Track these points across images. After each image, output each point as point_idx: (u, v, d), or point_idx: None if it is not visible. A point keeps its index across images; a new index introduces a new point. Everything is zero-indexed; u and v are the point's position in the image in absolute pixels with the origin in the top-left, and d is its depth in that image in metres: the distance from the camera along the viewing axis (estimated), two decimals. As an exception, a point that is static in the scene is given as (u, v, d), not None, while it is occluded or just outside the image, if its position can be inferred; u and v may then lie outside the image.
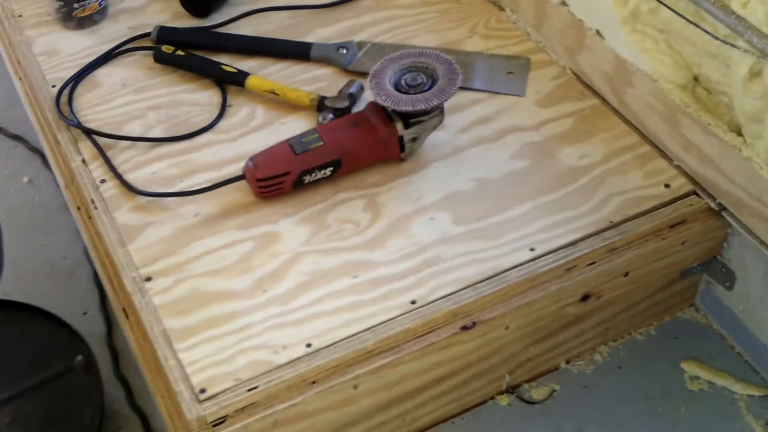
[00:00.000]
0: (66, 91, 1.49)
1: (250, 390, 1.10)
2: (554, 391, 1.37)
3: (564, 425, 1.32)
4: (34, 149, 1.76)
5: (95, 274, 1.52)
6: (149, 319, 1.17)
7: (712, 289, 1.42)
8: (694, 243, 1.33)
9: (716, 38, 1.22)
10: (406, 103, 1.30)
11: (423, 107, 1.30)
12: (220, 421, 1.09)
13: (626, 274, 1.29)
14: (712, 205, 1.32)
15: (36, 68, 1.55)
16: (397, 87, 1.33)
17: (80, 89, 1.50)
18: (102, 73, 1.54)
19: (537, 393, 1.36)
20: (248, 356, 1.13)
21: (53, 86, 1.51)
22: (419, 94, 1.31)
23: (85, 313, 1.47)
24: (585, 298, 1.28)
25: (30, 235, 1.60)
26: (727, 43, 1.21)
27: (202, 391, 1.10)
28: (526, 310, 1.23)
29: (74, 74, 1.51)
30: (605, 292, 1.29)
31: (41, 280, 1.53)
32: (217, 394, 1.10)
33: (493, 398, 1.36)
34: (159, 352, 1.14)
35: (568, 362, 1.39)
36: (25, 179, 1.71)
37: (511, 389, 1.36)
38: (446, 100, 1.31)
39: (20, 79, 1.58)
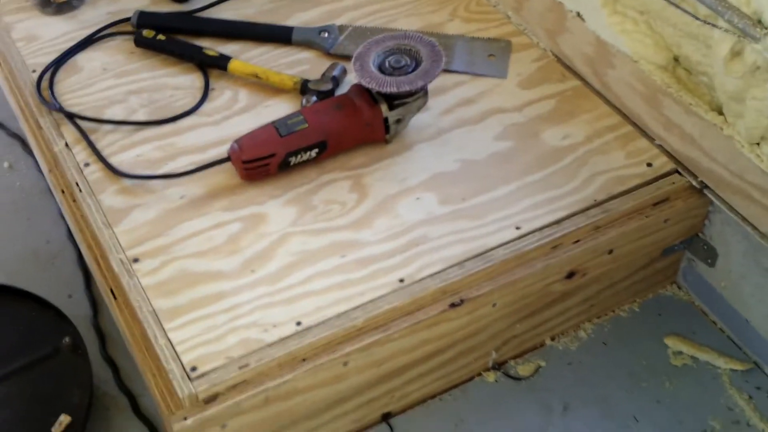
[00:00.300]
0: (47, 76, 1.48)
1: (241, 368, 1.11)
2: (540, 367, 1.38)
3: (550, 401, 1.34)
4: (13, 135, 1.75)
5: (79, 258, 1.52)
6: (137, 299, 1.17)
7: (693, 267, 1.44)
8: (677, 221, 1.34)
9: (697, 19, 1.24)
10: (391, 85, 1.31)
11: (407, 89, 1.31)
12: (212, 399, 1.09)
13: (610, 252, 1.30)
14: (694, 183, 1.34)
15: (15, 53, 1.54)
16: (381, 69, 1.34)
17: (61, 74, 1.50)
18: (82, 58, 1.53)
19: (523, 369, 1.38)
20: (239, 335, 1.14)
21: (33, 71, 1.50)
22: (403, 76, 1.32)
23: (70, 296, 1.47)
24: (570, 275, 1.29)
25: (12, 220, 1.59)
26: (708, 23, 1.23)
27: (193, 369, 1.10)
28: (513, 287, 1.24)
29: (54, 59, 1.51)
30: (590, 269, 1.31)
31: (25, 264, 1.52)
32: (208, 372, 1.10)
33: (479, 375, 1.37)
34: (149, 332, 1.14)
35: (553, 339, 1.41)
36: (6, 165, 1.70)
37: (498, 366, 1.38)
38: (430, 81, 1.32)
39: None
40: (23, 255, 1.54)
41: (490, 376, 1.37)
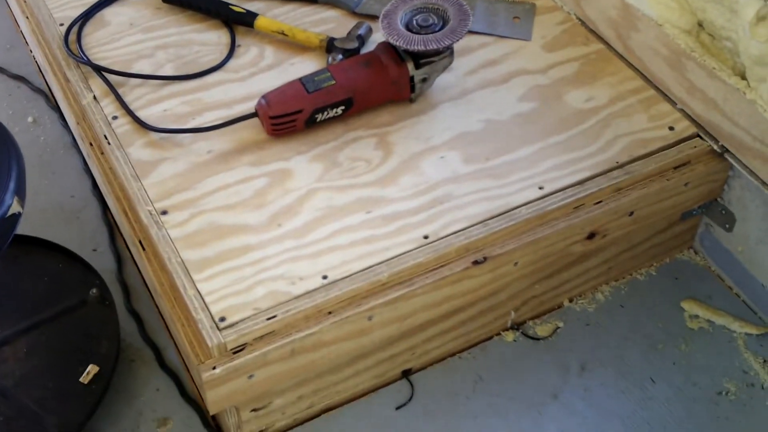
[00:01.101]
0: (74, 30, 1.49)
1: (268, 319, 1.12)
2: (558, 328, 1.40)
3: (567, 361, 1.36)
4: (37, 89, 1.76)
5: (103, 212, 1.54)
6: (166, 250, 1.19)
7: (711, 232, 1.45)
8: (697, 184, 1.36)
9: (723, -18, 1.24)
10: (418, 43, 1.32)
11: (435, 47, 1.32)
12: (240, 349, 1.11)
13: (631, 214, 1.32)
14: (715, 147, 1.35)
15: (43, 7, 1.55)
16: (409, 27, 1.35)
17: (88, 28, 1.51)
18: (110, 13, 1.54)
19: (541, 330, 1.40)
20: (266, 287, 1.15)
21: (61, 24, 1.51)
22: (430, 35, 1.33)
23: (94, 250, 1.49)
24: (591, 236, 1.30)
25: (36, 174, 1.60)
26: (734, -13, 1.23)
27: (222, 319, 1.12)
28: (535, 246, 1.25)
29: (82, 13, 1.52)
30: (610, 230, 1.32)
31: (50, 218, 1.54)
32: (237, 322, 1.12)
33: (498, 334, 1.39)
34: (178, 283, 1.16)
35: (571, 300, 1.43)
36: (30, 119, 1.71)
37: (517, 326, 1.40)
38: (457, 40, 1.32)
39: (27, 17, 1.58)
40: (48, 209, 1.56)
41: (509, 336, 1.39)
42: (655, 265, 1.48)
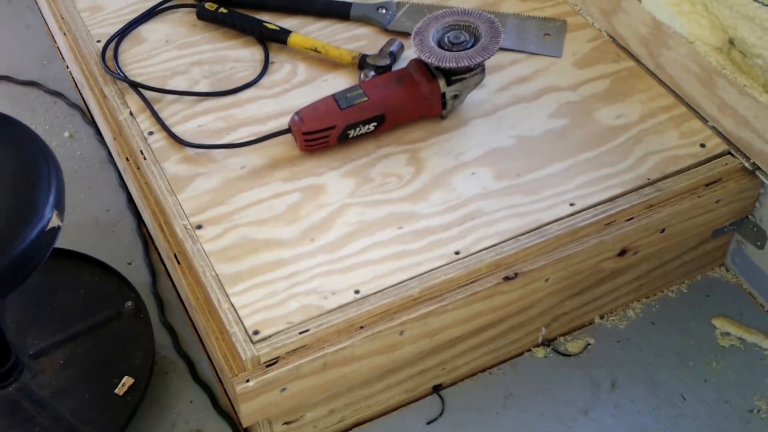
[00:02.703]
0: (111, 46, 1.52)
1: (301, 333, 1.14)
2: (589, 344, 1.40)
3: (598, 377, 1.36)
4: (73, 105, 1.79)
5: (138, 226, 1.56)
6: (201, 264, 1.21)
7: (742, 249, 1.45)
8: (728, 201, 1.36)
9: (755, 0, 1.24)
10: (450, 60, 1.33)
11: (466, 64, 1.33)
12: (273, 362, 1.13)
13: (662, 231, 1.32)
14: (747, 164, 1.35)
15: (80, 23, 1.58)
16: (440, 44, 1.36)
17: (125, 44, 1.53)
18: (146, 29, 1.56)
19: (572, 346, 1.40)
20: (299, 301, 1.17)
21: (98, 41, 1.53)
22: (462, 52, 1.34)
23: (129, 264, 1.51)
24: (622, 253, 1.31)
25: (72, 188, 1.62)
26: (765, 5, 1.24)
27: (256, 332, 1.13)
28: (566, 262, 1.26)
29: (119, 29, 1.54)
30: (642, 247, 1.32)
31: (85, 232, 1.56)
32: (270, 336, 1.13)
33: (529, 350, 1.39)
34: (212, 296, 1.17)
35: (602, 317, 1.43)
36: (66, 134, 1.74)
37: (547, 342, 1.40)
38: (489, 57, 1.33)
39: (64, 34, 1.60)
40: (84, 223, 1.58)
41: (540, 352, 1.40)
42: (687, 282, 1.48)
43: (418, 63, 1.37)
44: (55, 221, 1.06)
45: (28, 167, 1.10)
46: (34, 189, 1.07)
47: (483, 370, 1.37)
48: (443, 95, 1.36)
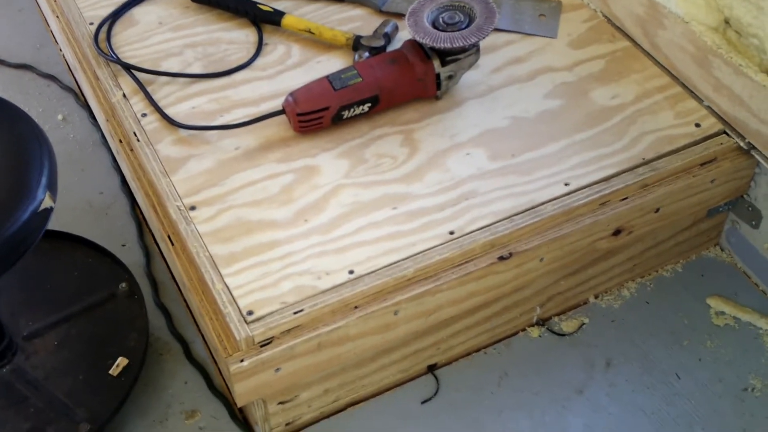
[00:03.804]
0: (104, 29, 1.51)
1: (295, 313, 1.14)
2: (583, 324, 1.40)
3: (593, 356, 1.36)
4: (66, 88, 1.78)
5: (132, 208, 1.55)
6: (195, 245, 1.21)
7: (737, 229, 1.45)
8: (723, 181, 1.36)
9: (750, -21, 1.24)
10: (444, 41, 1.33)
11: (461, 44, 1.32)
12: (267, 342, 1.13)
13: (657, 210, 1.32)
14: (742, 144, 1.35)
15: (73, 6, 1.57)
16: (435, 25, 1.35)
17: (117, 27, 1.53)
18: (139, 12, 1.56)
19: (567, 326, 1.40)
20: (293, 281, 1.17)
21: (91, 23, 1.53)
22: (457, 32, 1.34)
23: (123, 245, 1.50)
24: (617, 232, 1.31)
25: (66, 171, 1.62)
26: (762, -16, 1.23)
27: (250, 313, 1.13)
28: (561, 242, 1.26)
29: (112, 12, 1.53)
30: (636, 227, 1.32)
31: (79, 214, 1.56)
32: (264, 316, 1.13)
33: (524, 330, 1.39)
34: (206, 277, 1.17)
35: (596, 297, 1.43)
36: (59, 117, 1.73)
37: (542, 322, 1.40)
38: (484, 37, 1.33)
39: (57, 17, 1.60)
40: (77, 205, 1.58)
41: (534, 332, 1.40)
42: (681, 261, 1.48)
43: (413, 44, 1.37)
44: (47, 202, 1.06)
45: (20, 148, 1.09)
46: (26, 170, 1.07)
47: (478, 350, 1.37)
48: (438, 76, 1.36)
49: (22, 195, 1.04)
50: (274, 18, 1.51)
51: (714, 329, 1.39)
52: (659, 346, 1.37)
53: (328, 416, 1.30)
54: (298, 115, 1.32)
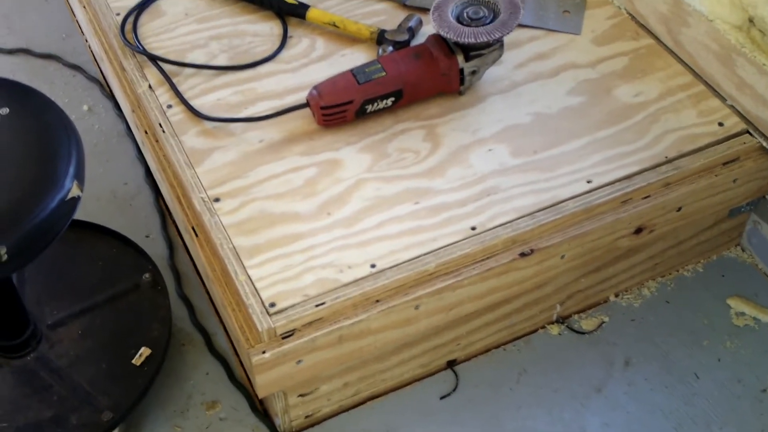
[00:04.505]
0: (130, 20, 1.52)
1: (317, 306, 1.14)
2: (603, 322, 1.40)
3: (612, 355, 1.37)
4: (92, 78, 1.79)
5: (156, 199, 1.57)
6: (219, 237, 1.22)
7: (759, 229, 1.45)
8: (745, 181, 1.35)
9: (777, -22, 1.24)
10: (469, 36, 1.33)
11: (485, 39, 1.33)
12: (289, 334, 1.13)
13: (679, 209, 1.32)
14: (764, 144, 1.34)
15: (100, -3, 1.58)
16: (459, 20, 1.36)
17: (144, 18, 1.54)
18: (165, 3, 1.56)
19: (586, 324, 1.40)
20: (315, 274, 1.17)
21: (117, 14, 1.54)
22: (481, 27, 1.34)
23: (147, 236, 1.52)
24: (638, 231, 1.31)
25: (90, 161, 1.60)
26: (788, -17, 1.23)
27: (272, 305, 1.14)
28: (582, 239, 1.26)
29: (138, 3, 1.54)
30: (658, 226, 1.32)
31: (103, 204, 1.57)
32: (286, 308, 1.14)
33: (543, 327, 1.40)
34: (229, 268, 1.18)
35: (617, 295, 1.43)
36: (85, 107, 1.75)
37: (562, 320, 1.40)
38: (508, 32, 1.33)
39: (84, 7, 1.61)
40: (102, 196, 1.59)
41: (554, 329, 1.40)
42: (702, 261, 1.48)
43: (437, 38, 1.37)
44: (75, 191, 1.07)
45: (48, 138, 1.11)
46: (54, 159, 1.08)
47: (497, 347, 1.38)
48: (461, 71, 1.36)
49: (51, 184, 1.05)
50: (299, 11, 1.51)
51: (734, 330, 1.39)
52: (679, 345, 1.38)
53: (347, 410, 1.31)
54: (322, 108, 1.32)
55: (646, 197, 1.29)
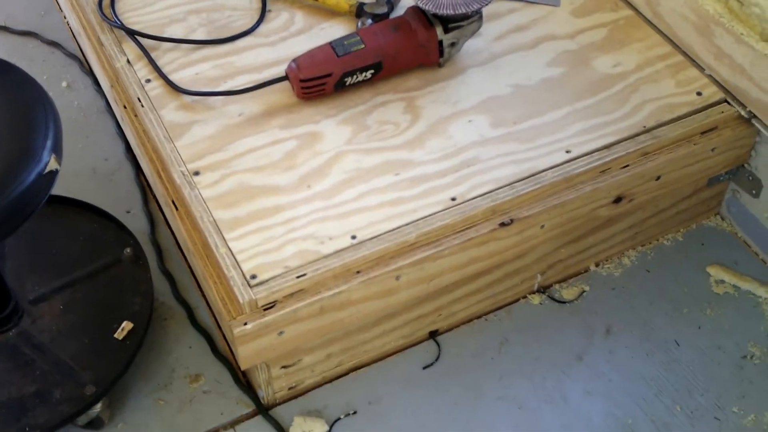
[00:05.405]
0: (108, -5, 1.51)
1: (298, 277, 1.15)
2: (584, 291, 1.41)
3: (593, 323, 1.38)
4: (71, 55, 1.79)
5: (137, 175, 1.56)
6: (199, 210, 1.22)
7: (737, 198, 1.46)
8: (724, 149, 1.36)
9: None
10: (447, 7, 1.33)
11: (463, 11, 1.33)
12: (270, 306, 1.14)
13: (658, 178, 1.33)
14: (743, 112, 1.35)
15: (77, -28, 1.57)
16: (438, -8, 1.36)
17: (122, -7, 1.53)
18: (143, -22, 1.56)
19: (567, 293, 1.41)
20: (296, 246, 1.18)
21: (95, -11, 1.53)
22: (460, -1, 1.34)
23: (128, 212, 1.51)
24: (617, 200, 1.31)
25: (70, 137, 1.61)
26: (765, -48, 1.23)
27: (253, 277, 1.14)
28: (561, 209, 1.27)
29: (116, -22, 1.54)
30: (637, 195, 1.33)
31: (84, 180, 1.57)
32: (267, 280, 1.14)
33: (525, 297, 1.41)
34: (210, 241, 1.18)
35: (597, 265, 1.44)
36: (64, 84, 1.74)
37: (543, 289, 1.41)
38: (487, 4, 1.33)
39: (61, -17, 1.60)
40: (82, 172, 1.59)
41: (535, 299, 1.41)
42: (682, 230, 1.49)
43: (416, 11, 1.37)
44: (53, 164, 1.07)
45: (25, 111, 1.10)
46: (31, 133, 1.08)
47: (479, 317, 1.39)
48: (440, 43, 1.36)
49: (28, 157, 1.05)
50: (278, -15, 1.51)
51: (714, 297, 1.40)
52: (659, 313, 1.39)
53: (330, 381, 1.32)
54: (301, 81, 1.32)
55: (625, 167, 1.29)
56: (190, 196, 1.23)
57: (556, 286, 1.42)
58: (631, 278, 1.43)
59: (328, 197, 1.24)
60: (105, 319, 1.29)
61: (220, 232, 1.19)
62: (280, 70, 1.38)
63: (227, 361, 1.34)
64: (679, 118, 1.34)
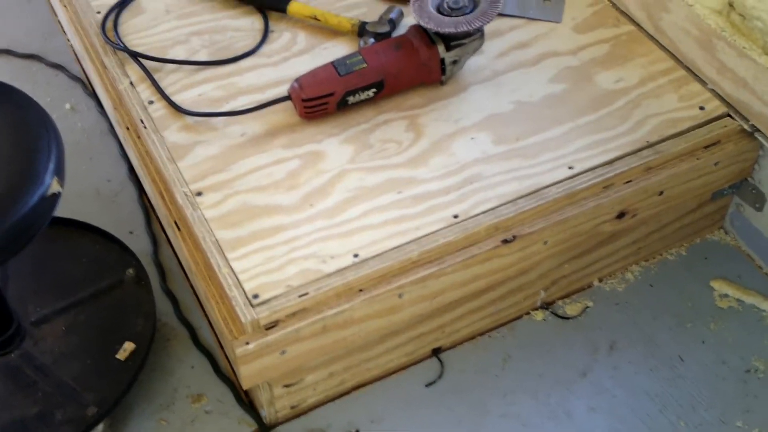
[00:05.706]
0: (111, 17, 1.52)
1: (301, 296, 1.15)
2: (587, 307, 1.41)
3: (597, 340, 1.37)
4: (74, 77, 1.79)
5: (140, 196, 1.57)
6: (201, 230, 1.22)
7: (741, 212, 1.46)
8: (727, 164, 1.36)
9: (753, -39, 1.24)
10: (449, 25, 1.33)
11: (465, 29, 1.33)
12: (273, 325, 1.14)
13: (661, 193, 1.32)
14: (746, 126, 1.35)
15: (80, -5, 1.58)
16: (440, 10, 1.36)
17: (125, 15, 1.53)
18: (146, 0, 1.56)
19: (571, 309, 1.41)
20: (298, 265, 1.18)
21: (98, 12, 1.53)
22: (461, 17, 1.34)
23: (131, 233, 1.52)
24: (621, 215, 1.31)
25: (74, 159, 1.63)
26: (764, -34, 1.23)
27: (255, 296, 1.14)
28: (564, 225, 1.27)
29: (119, 0, 1.54)
30: (640, 210, 1.33)
31: (87, 201, 1.57)
32: (270, 299, 1.14)
33: (528, 314, 1.40)
34: (212, 261, 1.18)
35: (600, 280, 1.44)
36: (67, 106, 1.74)
37: (546, 305, 1.41)
38: (488, 22, 1.34)
39: (64, 6, 1.61)
40: (85, 193, 1.59)
41: (539, 315, 1.40)
42: (685, 245, 1.48)
43: (418, 29, 1.37)
44: (55, 187, 1.07)
45: (28, 134, 1.10)
46: (34, 155, 1.08)
47: (482, 333, 1.38)
48: (442, 61, 1.37)
49: (31, 180, 1.05)
50: (280, 5, 1.51)
51: (718, 312, 1.40)
52: (663, 328, 1.38)
53: (333, 399, 1.32)
54: (304, 100, 1.33)
55: (628, 182, 1.29)
56: (193, 216, 1.23)
57: (560, 302, 1.42)
58: (635, 293, 1.42)
59: (330, 216, 1.24)
60: (107, 339, 1.29)
61: (223, 252, 1.19)
62: (282, 90, 1.38)
63: (230, 380, 1.34)
64: (682, 132, 1.34)
